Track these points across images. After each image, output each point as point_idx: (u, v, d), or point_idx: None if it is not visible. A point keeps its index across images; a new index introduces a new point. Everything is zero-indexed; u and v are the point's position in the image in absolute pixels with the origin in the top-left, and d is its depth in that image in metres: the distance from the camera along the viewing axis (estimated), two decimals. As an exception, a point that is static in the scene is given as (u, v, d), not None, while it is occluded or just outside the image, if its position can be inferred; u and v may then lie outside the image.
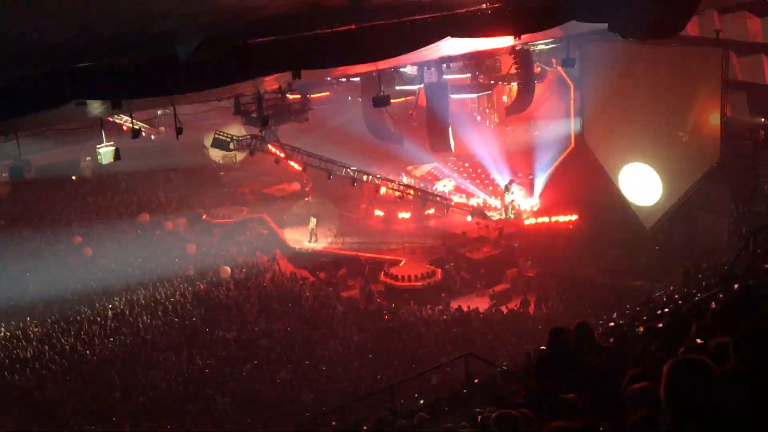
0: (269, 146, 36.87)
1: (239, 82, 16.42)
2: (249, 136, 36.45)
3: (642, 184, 32.21)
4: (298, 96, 34.88)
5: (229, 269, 33.10)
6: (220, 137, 36.72)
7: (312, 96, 37.37)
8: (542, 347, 11.85)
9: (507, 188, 37.51)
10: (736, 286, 12.93)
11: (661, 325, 11.71)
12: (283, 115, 33.62)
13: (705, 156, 28.72)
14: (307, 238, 38.53)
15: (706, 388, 3.94)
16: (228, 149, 37.88)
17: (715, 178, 28.68)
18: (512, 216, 37.22)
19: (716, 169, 28.33)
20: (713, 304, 11.89)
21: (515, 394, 10.29)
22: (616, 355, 8.82)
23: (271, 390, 23.39)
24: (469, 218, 38.00)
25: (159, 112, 38.70)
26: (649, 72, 30.73)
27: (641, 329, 12.52)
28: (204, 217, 40.89)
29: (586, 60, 32.60)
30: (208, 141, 39.27)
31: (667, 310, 15.90)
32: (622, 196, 33.09)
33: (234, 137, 36.73)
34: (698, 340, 7.33)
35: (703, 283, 19.99)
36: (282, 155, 37.35)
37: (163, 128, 41.72)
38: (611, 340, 11.92)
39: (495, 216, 37.62)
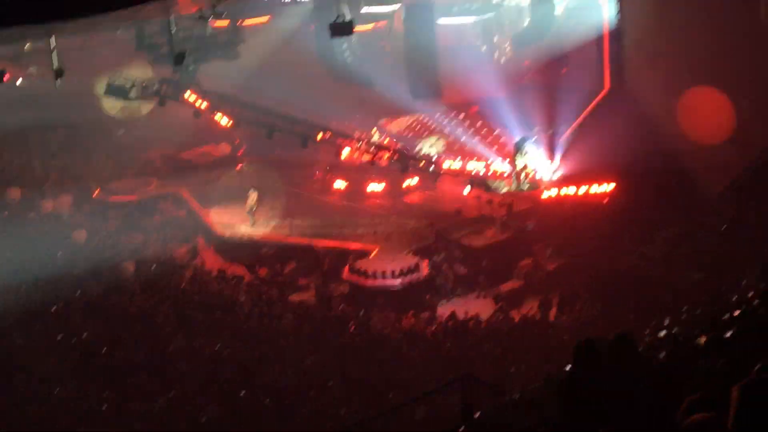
0: (186, 94, 36.67)
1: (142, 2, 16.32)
2: (157, 80, 36.24)
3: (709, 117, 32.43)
4: (226, 23, 34.68)
5: (130, 269, 32.98)
6: (118, 82, 36.46)
7: (246, 23, 37.16)
8: (567, 367, 11.93)
9: (518, 148, 37.07)
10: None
11: (729, 334, 11.82)
12: (205, 49, 33.46)
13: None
14: (243, 220, 38.51)
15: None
16: (128, 98, 37.62)
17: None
18: (526, 186, 37.14)
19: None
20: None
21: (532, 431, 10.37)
22: (668, 375, 8.90)
23: (195, 432, 23.37)
24: (467, 190, 37.89)
25: (27, 45, 38.22)
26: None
27: (703, 340, 12.63)
28: (96, 193, 40.63)
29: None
30: (100, 87, 38.99)
31: (737, 314, 16.03)
32: (678, 150, 33.34)
33: (136, 81, 36.48)
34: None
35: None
36: (204, 106, 37.18)
37: (33, 69, 41.23)
38: (662, 355, 12.02)
39: (503, 187, 37.54)
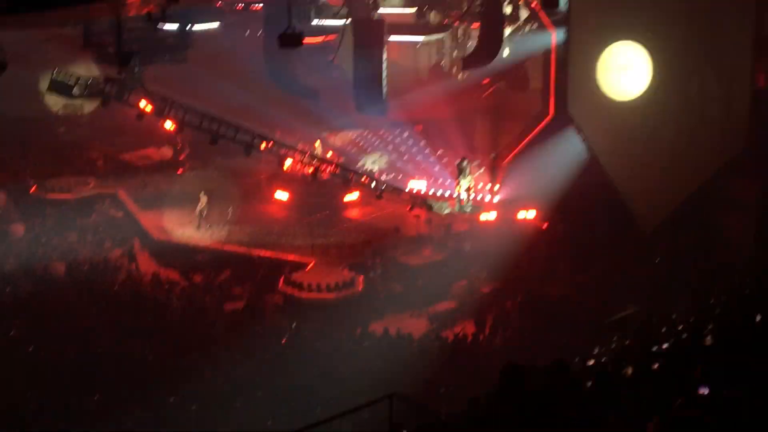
0: (130, 95, 36.35)
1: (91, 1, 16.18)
2: (102, 79, 35.88)
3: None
4: (176, 26, 34.49)
5: (61, 268, 32.61)
6: (61, 79, 36.02)
7: (195, 28, 37.01)
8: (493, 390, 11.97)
9: (461, 169, 37.18)
10: (759, 317, 13.22)
11: (656, 366, 11.92)
12: (153, 51, 33.25)
13: (726, 140, 29.47)
14: (182, 224, 38.26)
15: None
16: (71, 96, 37.15)
17: (738, 169, 29.40)
18: (469, 209, 37.25)
19: (742, 156, 29.05)
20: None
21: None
22: (594, 404, 8.95)
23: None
24: (410, 209, 37.74)
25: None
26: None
27: (629, 371, 12.72)
28: (33, 189, 40.18)
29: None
30: (44, 83, 38.54)
31: (666, 346, 16.18)
32: (615, 184, 33.73)
33: (81, 79, 36.08)
34: (703, 390, 7.48)
35: (717, 310, 20.41)
36: (148, 108, 36.87)
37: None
38: (589, 384, 12.08)
39: (446, 208, 37.61)
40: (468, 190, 37.18)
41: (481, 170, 38.40)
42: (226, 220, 38.81)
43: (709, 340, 13.67)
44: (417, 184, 40.11)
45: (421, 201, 38.12)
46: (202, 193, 38.55)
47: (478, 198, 37.85)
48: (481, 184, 37.89)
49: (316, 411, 23.57)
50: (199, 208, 38.31)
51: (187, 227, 38.45)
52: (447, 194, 38.80)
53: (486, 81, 40.65)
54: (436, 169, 41.05)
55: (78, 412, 24.09)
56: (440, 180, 40.08)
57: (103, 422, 23.62)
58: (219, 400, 24.80)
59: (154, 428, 23.33)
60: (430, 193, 39.38)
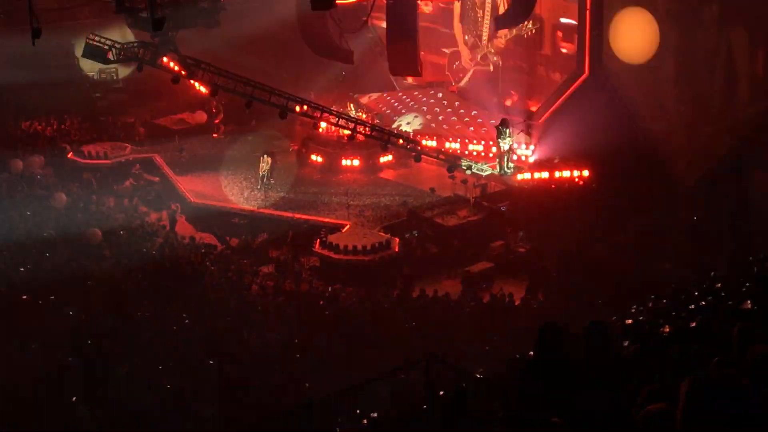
0: (164, 59, 36.40)
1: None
2: (136, 44, 35.94)
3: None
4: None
5: (99, 233, 32.76)
6: (96, 43, 36.11)
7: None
8: (531, 351, 11.96)
9: (500, 131, 36.63)
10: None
11: (694, 324, 11.86)
12: (186, 15, 33.23)
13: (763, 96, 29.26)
14: (217, 188, 38.38)
15: (738, 416, 3.92)
16: (106, 61, 37.30)
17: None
18: (510, 170, 36.77)
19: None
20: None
21: (492, 414, 10.36)
22: (632, 364, 8.91)
23: (157, 401, 23.27)
24: (449, 171, 37.38)
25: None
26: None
27: (667, 329, 12.67)
28: (70, 155, 40.41)
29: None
30: (78, 49, 38.65)
31: (703, 303, 16.10)
32: (654, 140, 33.53)
33: (115, 44, 36.18)
34: (741, 349, 7.41)
35: (755, 269, 20.26)
36: (183, 72, 36.91)
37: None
38: (626, 343, 12.04)
39: (486, 170, 37.22)
40: (508, 151, 36.70)
41: (519, 132, 37.91)
42: (288, 182, 38.82)
43: (748, 303, 13.57)
44: (452, 146, 39.92)
45: (460, 163, 37.76)
46: (265, 155, 38.52)
47: (515, 158, 37.52)
48: (516, 145, 37.51)
49: (354, 373, 23.70)
50: (262, 170, 38.29)
51: (223, 191, 38.54)
52: (486, 155, 38.55)
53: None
54: (471, 129, 40.88)
55: (116, 378, 24.30)
56: (477, 141, 39.88)
57: (141, 389, 23.84)
58: (256, 363, 24.93)
59: (192, 391, 23.51)
60: (467, 153, 39.12)
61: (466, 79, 42.73)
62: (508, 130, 36.06)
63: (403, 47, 31.22)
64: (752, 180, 31.41)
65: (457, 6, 42.80)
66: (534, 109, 39.09)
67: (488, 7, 41.75)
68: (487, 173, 36.92)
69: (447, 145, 39.92)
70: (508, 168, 36.39)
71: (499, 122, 36.38)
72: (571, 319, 19.70)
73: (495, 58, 41.76)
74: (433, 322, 27.71)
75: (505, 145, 36.20)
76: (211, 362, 24.96)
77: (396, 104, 43.59)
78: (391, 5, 30.96)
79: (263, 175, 38.31)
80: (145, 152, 41.59)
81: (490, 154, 38.08)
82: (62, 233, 32.93)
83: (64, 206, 35.62)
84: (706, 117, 32.06)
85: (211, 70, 35.56)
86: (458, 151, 39.25)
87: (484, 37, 42.03)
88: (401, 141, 38.15)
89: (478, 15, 42.81)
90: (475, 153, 39.26)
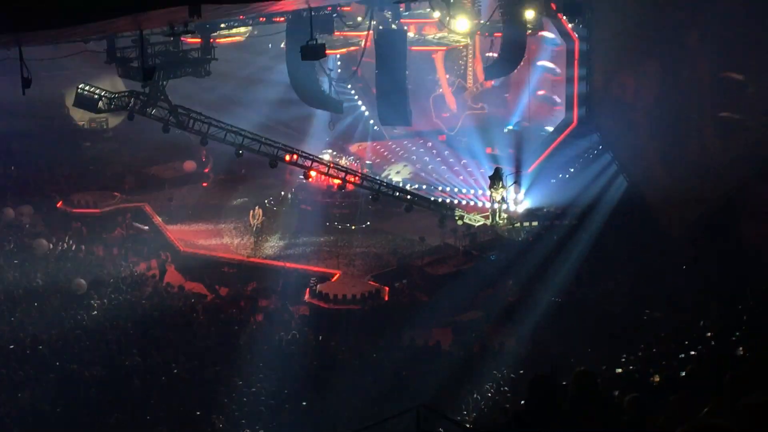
0: (154, 109, 36.51)
1: (113, 17, 16.22)
2: (126, 93, 36.03)
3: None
4: (199, 40, 34.62)
5: (84, 283, 32.64)
6: (86, 93, 36.17)
7: (218, 40, 37.13)
8: (522, 401, 11.93)
9: (494, 181, 36.41)
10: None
11: (684, 373, 11.86)
12: (176, 65, 33.34)
13: (752, 148, 29.41)
14: (207, 237, 38.32)
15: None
16: (97, 110, 37.30)
17: (765, 177, 29.31)
18: (503, 221, 36.70)
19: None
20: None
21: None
22: (624, 414, 8.90)
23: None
24: (439, 222, 37.34)
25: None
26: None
27: (657, 378, 12.68)
28: (60, 204, 40.37)
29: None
30: (69, 98, 38.76)
31: (694, 353, 16.12)
32: (643, 189, 33.65)
33: (106, 93, 36.25)
34: (731, 398, 7.40)
35: (744, 317, 20.29)
36: (173, 122, 37.03)
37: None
38: (616, 393, 12.04)
39: (478, 221, 37.22)
40: (501, 201, 36.65)
41: (513, 182, 37.84)
42: (285, 234, 38.83)
43: (740, 350, 13.58)
44: (443, 196, 40.00)
45: (451, 213, 37.73)
46: (257, 207, 38.48)
47: (506, 208, 37.53)
48: (507, 194, 37.51)
49: (343, 422, 23.61)
50: (255, 223, 38.20)
51: (211, 240, 38.52)
52: (478, 205, 38.62)
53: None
54: (461, 179, 41.00)
55: (104, 428, 24.16)
56: (466, 190, 40.00)
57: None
58: (245, 413, 24.82)
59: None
60: (456, 202, 39.19)
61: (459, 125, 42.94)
62: (501, 181, 36.11)
63: (393, 97, 31.34)
64: (742, 227, 31.50)
65: (439, 54, 43.10)
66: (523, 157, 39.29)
67: (471, 56, 42.17)
68: (479, 224, 36.97)
69: (438, 194, 39.99)
70: (500, 219, 36.40)
71: (492, 172, 36.50)
72: (561, 367, 19.69)
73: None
74: (423, 371, 27.63)
75: (497, 195, 36.24)
76: (198, 413, 24.86)
77: (385, 153, 43.74)
78: (381, 59, 31.15)
79: (255, 228, 38.25)
80: (135, 201, 41.55)
81: (479, 204, 38.16)
82: (50, 282, 32.84)
83: (48, 253, 35.52)
84: (698, 167, 32.19)
85: (200, 119, 35.71)
86: (448, 201, 39.35)
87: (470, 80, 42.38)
88: (392, 191, 38.08)
89: (460, 63, 43.21)
90: (464, 203, 39.35)
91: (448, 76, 44.39)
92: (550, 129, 39.71)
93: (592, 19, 34.86)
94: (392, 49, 30.22)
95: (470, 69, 43.26)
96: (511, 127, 42.21)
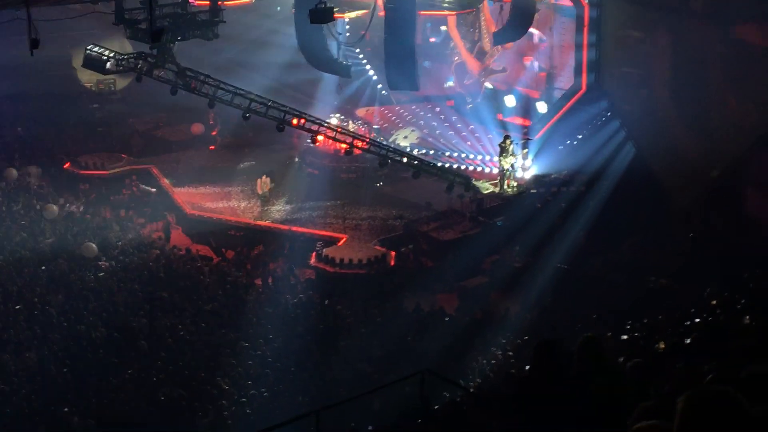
0: (162, 71, 36.42)
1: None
2: (135, 55, 35.92)
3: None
4: (207, 2, 34.50)
5: (94, 247, 32.66)
6: (94, 54, 36.05)
7: (227, 2, 36.96)
8: (527, 366, 11.97)
9: (503, 148, 36.34)
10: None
11: (689, 341, 11.88)
12: (184, 28, 33.22)
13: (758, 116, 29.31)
14: (217, 200, 38.33)
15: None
16: (105, 71, 37.17)
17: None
18: (513, 189, 36.57)
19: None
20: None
21: (487, 428, 10.36)
22: (627, 380, 8.92)
23: (153, 412, 23.24)
24: (448, 189, 37.01)
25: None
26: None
27: (662, 345, 12.70)
28: (67, 166, 40.38)
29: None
30: (77, 59, 38.64)
31: (698, 320, 16.13)
32: (651, 157, 33.56)
33: (114, 55, 36.13)
34: (736, 366, 7.42)
35: (750, 285, 20.29)
36: (180, 84, 36.92)
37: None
38: (621, 359, 12.06)
39: (487, 188, 37.07)
40: (510, 169, 36.51)
41: (523, 149, 37.70)
42: (292, 198, 38.85)
43: (746, 319, 13.60)
44: (450, 161, 39.90)
45: (459, 180, 37.54)
46: (265, 175, 38.42)
47: (521, 174, 37.38)
48: (516, 162, 37.34)
49: (348, 386, 23.68)
50: (262, 191, 38.15)
51: (218, 203, 38.53)
52: (485, 171, 38.51)
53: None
54: (468, 144, 40.90)
55: (111, 388, 24.26)
56: (474, 156, 39.91)
57: (136, 400, 23.80)
58: (251, 376, 24.89)
59: (187, 403, 23.48)
60: (463, 168, 39.09)
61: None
62: (511, 148, 35.98)
63: (402, 62, 31.21)
64: (745, 196, 31.43)
65: (450, 20, 42.90)
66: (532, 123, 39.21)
67: (482, 23, 42.00)
68: (487, 191, 36.87)
69: (445, 159, 39.88)
70: (509, 187, 36.29)
71: (502, 139, 36.39)
72: (566, 334, 19.72)
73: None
74: (428, 336, 27.71)
75: (506, 164, 36.12)
76: (203, 375, 24.95)
77: (393, 117, 43.65)
78: (390, 23, 30.96)
79: (263, 195, 38.19)
80: (142, 163, 41.56)
81: (486, 170, 38.12)
82: (58, 244, 32.92)
83: (56, 217, 35.58)
84: (705, 135, 32.07)
85: (208, 81, 35.60)
86: (455, 167, 39.24)
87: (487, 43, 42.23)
88: (398, 156, 37.95)
89: (473, 29, 43.03)
90: (471, 168, 39.27)
91: (464, 42, 44.19)
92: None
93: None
94: (401, 12, 30.03)
95: (485, 32, 42.92)
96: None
